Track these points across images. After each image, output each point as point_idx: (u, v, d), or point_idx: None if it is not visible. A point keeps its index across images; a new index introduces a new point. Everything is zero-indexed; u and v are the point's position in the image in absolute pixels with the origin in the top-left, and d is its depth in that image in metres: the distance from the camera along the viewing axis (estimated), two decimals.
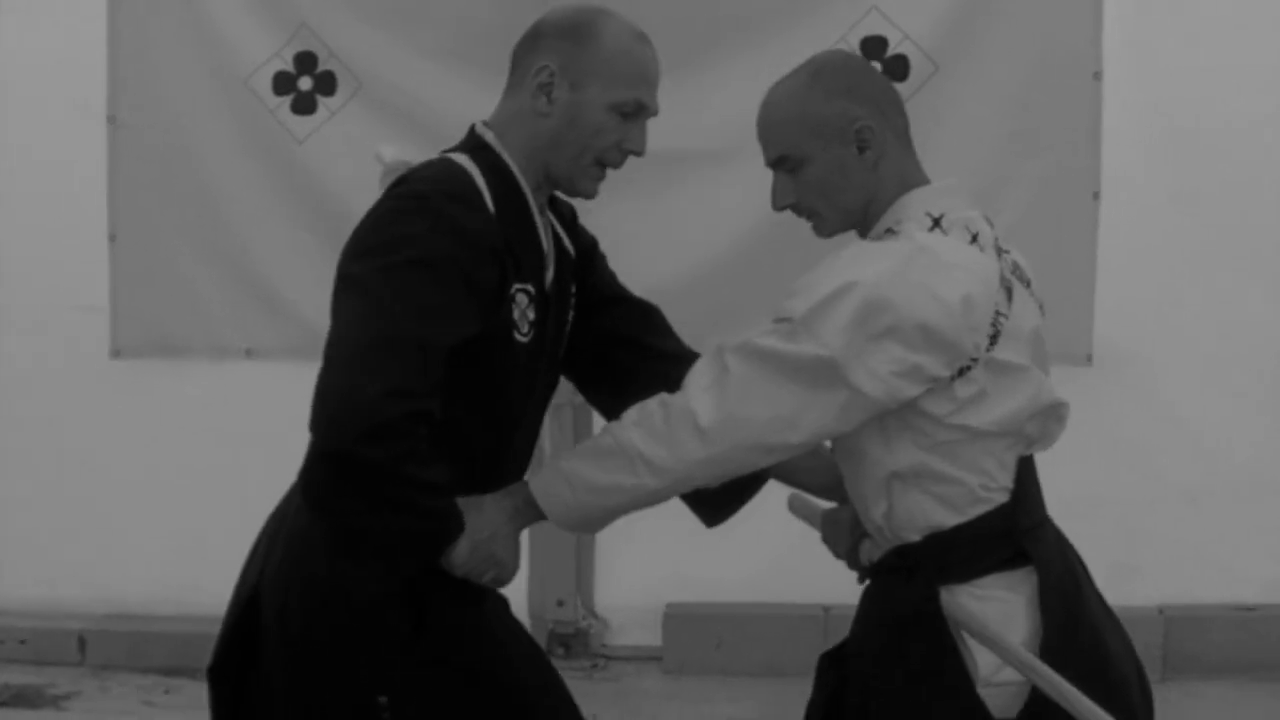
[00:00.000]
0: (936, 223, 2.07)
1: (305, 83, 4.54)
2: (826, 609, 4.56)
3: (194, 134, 4.57)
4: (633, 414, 2.05)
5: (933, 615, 2.02)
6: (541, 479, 2.10)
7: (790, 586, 4.54)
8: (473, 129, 2.21)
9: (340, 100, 4.52)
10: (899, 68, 4.34)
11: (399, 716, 2.10)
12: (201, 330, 4.63)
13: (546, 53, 2.16)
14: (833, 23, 4.37)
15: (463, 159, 2.14)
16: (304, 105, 4.55)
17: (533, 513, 2.11)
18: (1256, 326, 4.60)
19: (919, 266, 1.98)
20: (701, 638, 4.64)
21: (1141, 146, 4.47)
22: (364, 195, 4.35)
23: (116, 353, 4.69)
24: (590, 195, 2.23)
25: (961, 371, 1.98)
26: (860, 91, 2.11)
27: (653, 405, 2.03)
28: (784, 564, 4.13)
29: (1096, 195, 4.41)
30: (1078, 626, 2.05)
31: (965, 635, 2.03)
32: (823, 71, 2.13)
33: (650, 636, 4.72)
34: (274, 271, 4.56)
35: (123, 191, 4.61)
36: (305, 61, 4.54)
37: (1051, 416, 2.10)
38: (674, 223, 4.47)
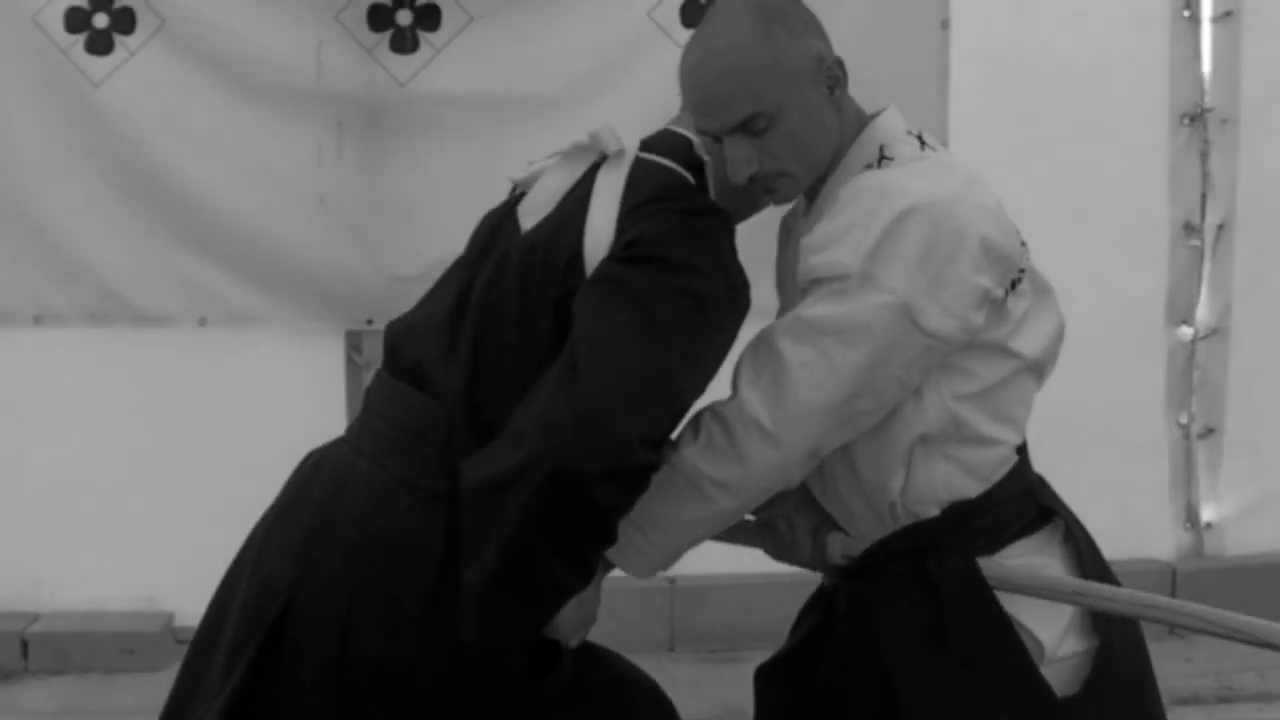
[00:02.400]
0: (921, 140, 1.94)
1: (101, 20, 4.24)
2: (672, 580, 4.41)
3: None
4: (687, 436, 1.86)
5: (980, 591, 1.87)
6: None
7: None
8: (691, 144, 1.99)
9: (140, 39, 4.23)
10: None
11: None
12: None
13: None
14: None
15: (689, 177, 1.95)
16: (100, 44, 4.24)
17: (605, 567, 1.90)
18: (1100, 278, 4.58)
19: (953, 179, 1.85)
20: None
21: (983, 96, 4.42)
22: (168, 143, 4.16)
23: None
24: None
25: (1014, 284, 1.87)
26: (815, 24, 1.94)
27: (706, 420, 1.85)
28: None
29: (944, 146, 4.35)
30: (1107, 578, 1.97)
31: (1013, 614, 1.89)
32: (770, 9, 1.89)
33: None
34: (67, 228, 4.26)
35: None
36: None
37: (1054, 349, 2.00)
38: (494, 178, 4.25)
